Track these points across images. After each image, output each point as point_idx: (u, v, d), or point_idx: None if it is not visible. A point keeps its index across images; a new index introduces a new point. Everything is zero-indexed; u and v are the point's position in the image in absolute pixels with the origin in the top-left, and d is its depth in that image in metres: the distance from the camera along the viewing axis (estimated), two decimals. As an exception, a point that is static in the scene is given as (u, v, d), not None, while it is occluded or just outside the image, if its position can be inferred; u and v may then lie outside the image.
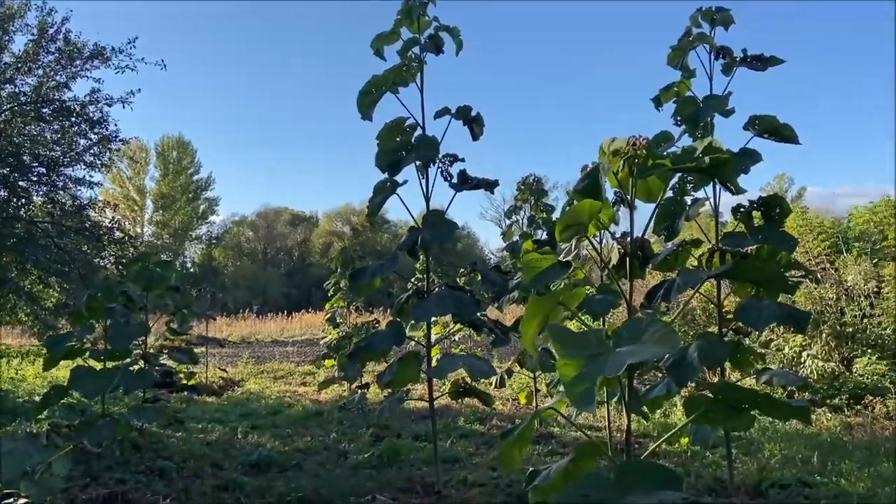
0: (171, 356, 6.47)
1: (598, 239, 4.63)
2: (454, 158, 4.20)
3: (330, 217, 52.50)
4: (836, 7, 55.77)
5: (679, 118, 3.61)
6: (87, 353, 4.93)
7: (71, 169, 13.11)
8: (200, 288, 13.35)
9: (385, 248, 39.82)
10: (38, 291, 13.33)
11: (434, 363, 4.23)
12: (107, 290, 5.08)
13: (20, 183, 12.50)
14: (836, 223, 9.48)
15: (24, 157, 12.43)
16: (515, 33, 62.04)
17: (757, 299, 3.33)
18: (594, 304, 4.34)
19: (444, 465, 4.71)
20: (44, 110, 12.58)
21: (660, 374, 5.03)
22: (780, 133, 3.46)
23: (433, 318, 4.91)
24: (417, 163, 4.10)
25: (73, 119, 12.73)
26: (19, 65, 12.63)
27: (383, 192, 4.13)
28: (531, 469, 1.93)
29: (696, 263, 3.67)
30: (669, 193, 3.69)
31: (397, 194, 4.14)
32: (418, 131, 4.15)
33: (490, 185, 4.12)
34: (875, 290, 7.69)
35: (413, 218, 4.33)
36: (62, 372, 7.73)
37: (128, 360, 5.18)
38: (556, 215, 6.89)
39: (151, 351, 6.23)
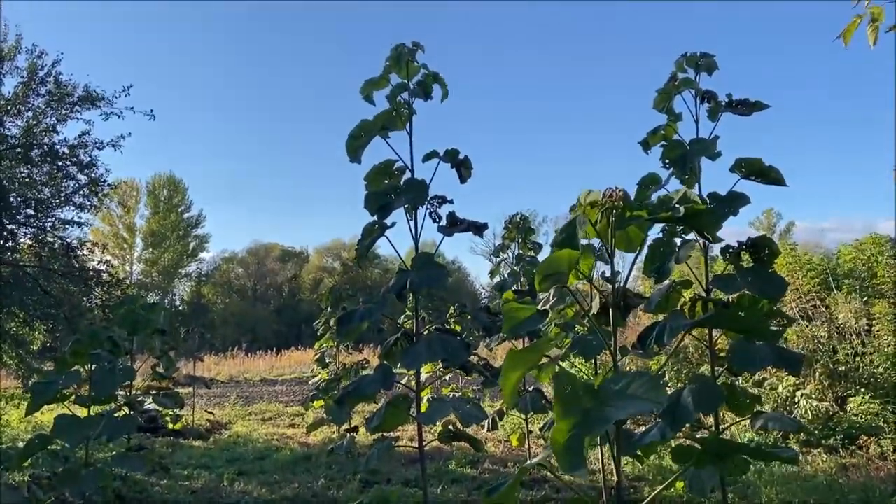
0: (156, 400, 6.34)
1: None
2: (443, 200, 4.19)
3: (320, 253, 52.47)
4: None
5: (667, 161, 3.62)
6: (72, 398, 4.83)
7: (60, 210, 13.06)
8: (189, 328, 13.21)
9: (375, 284, 39.69)
10: (23, 334, 13.12)
11: (424, 405, 4.16)
12: (92, 335, 4.99)
13: (8, 225, 12.40)
14: (825, 259, 9.51)
15: (12, 199, 12.35)
16: (508, 69, 62.90)
17: (748, 342, 3.30)
18: (587, 345, 4.31)
19: (435, 513, 4.60)
20: (32, 152, 12.53)
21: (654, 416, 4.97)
22: (767, 175, 3.48)
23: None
24: (406, 205, 4.08)
25: (61, 163, 12.70)
26: (8, 107, 12.59)
27: (371, 234, 4.10)
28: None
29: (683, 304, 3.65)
30: (658, 234, 3.69)
31: (386, 236, 4.12)
32: (407, 174, 4.15)
33: (479, 229, 4.10)
34: (866, 328, 7.67)
35: (402, 259, 4.30)
36: (46, 416, 7.57)
37: (112, 405, 5.08)
38: (543, 255, 6.89)
39: (137, 393, 6.11)
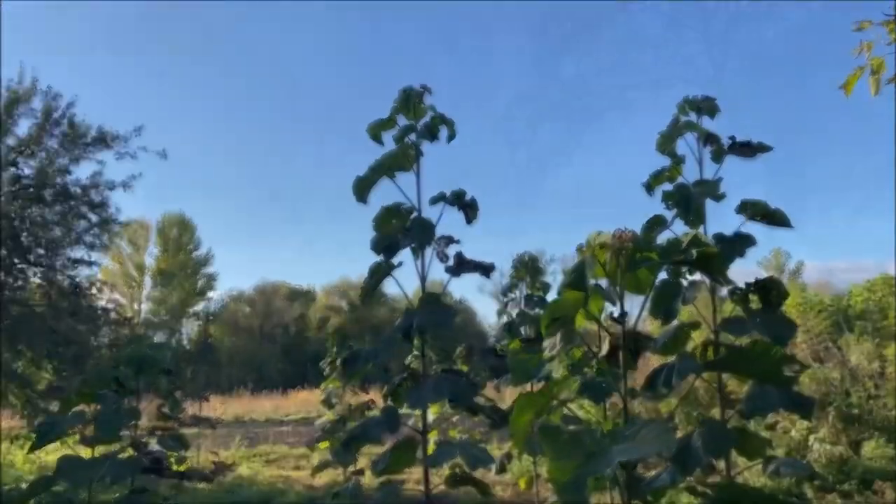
0: (161, 443, 6.30)
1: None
2: (450, 240, 4.21)
3: (327, 291, 52.47)
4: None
5: (669, 202, 3.63)
6: (76, 438, 4.81)
7: (70, 249, 13.15)
8: (195, 368, 13.18)
9: (383, 323, 39.53)
10: (30, 374, 13.09)
11: (431, 447, 4.11)
12: (98, 375, 5.00)
13: (19, 265, 12.50)
14: (836, 299, 9.45)
15: (23, 239, 12.47)
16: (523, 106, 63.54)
17: (761, 387, 3.26)
18: (596, 387, 4.25)
19: (441, 560, 4.50)
20: (44, 192, 12.68)
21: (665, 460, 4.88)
22: (772, 217, 3.48)
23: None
24: (412, 245, 4.11)
25: (73, 202, 12.84)
26: (22, 148, 12.78)
27: (378, 273, 4.11)
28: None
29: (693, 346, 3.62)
30: (664, 276, 3.68)
31: (393, 276, 4.13)
32: (414, 214, 4.18)
33: (486, 270, 4.11)
34: (879, 370, 7.59)
35: (408, 299, 4.30)
36: (51, 457, 7.52)
37: (117, 446, 5.05)
38: (551, 295, 6.87)
39: (142, 433, 6.08)
